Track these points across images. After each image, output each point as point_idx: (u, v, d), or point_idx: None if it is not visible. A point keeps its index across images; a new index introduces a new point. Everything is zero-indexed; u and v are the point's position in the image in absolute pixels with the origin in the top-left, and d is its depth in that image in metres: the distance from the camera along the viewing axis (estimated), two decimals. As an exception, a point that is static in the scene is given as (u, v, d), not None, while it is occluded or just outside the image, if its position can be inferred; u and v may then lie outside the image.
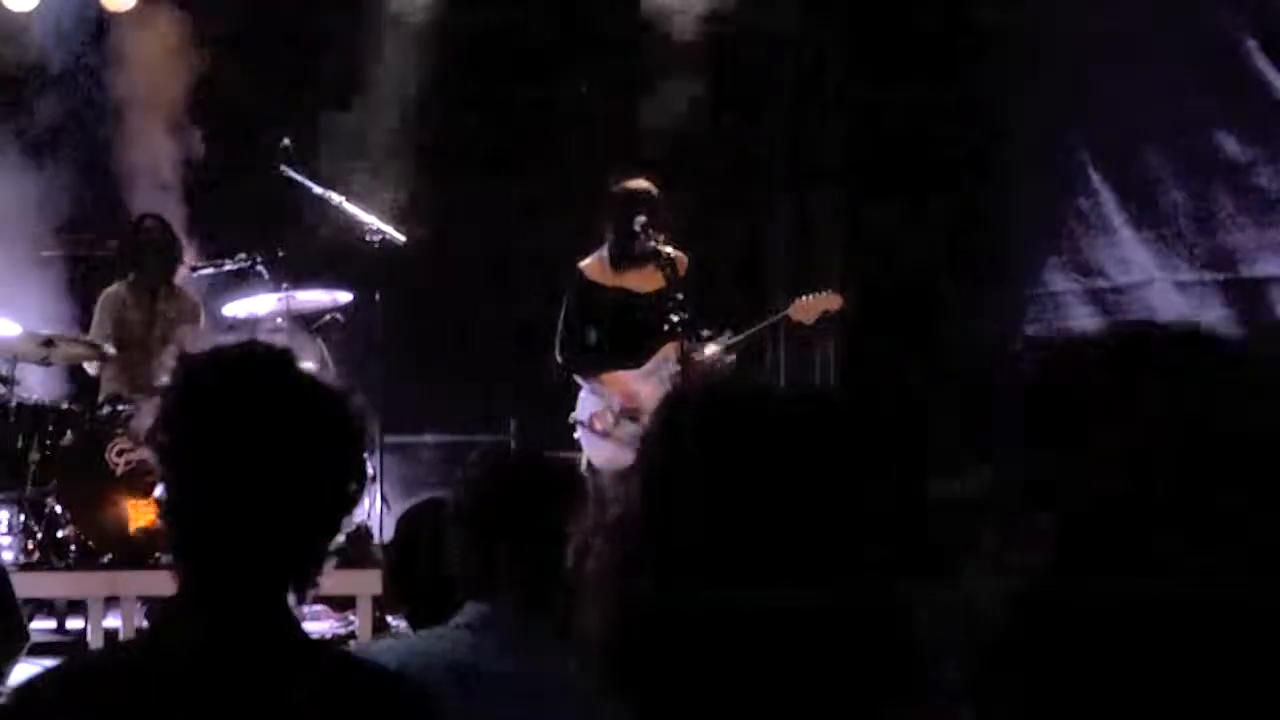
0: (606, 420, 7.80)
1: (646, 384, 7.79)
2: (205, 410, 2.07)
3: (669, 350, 7.79)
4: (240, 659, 2.02)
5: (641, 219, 7.72)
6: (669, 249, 7.74)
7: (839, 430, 1.49)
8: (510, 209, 9.94)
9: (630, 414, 7.77)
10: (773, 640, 1.41)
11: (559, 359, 7.89)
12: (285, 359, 2.11)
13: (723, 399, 1.53)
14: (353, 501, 2.10)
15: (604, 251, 7.91)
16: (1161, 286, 8.75)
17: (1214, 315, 8.47)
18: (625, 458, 7.73)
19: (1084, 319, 9.18)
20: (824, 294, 8.07)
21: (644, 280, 7.86)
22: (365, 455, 2.14)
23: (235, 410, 2.05)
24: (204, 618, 2.04)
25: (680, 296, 7.59)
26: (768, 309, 8.32)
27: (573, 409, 7.96)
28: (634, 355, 7.86)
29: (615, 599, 1.46)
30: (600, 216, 7.93)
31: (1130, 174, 8.92)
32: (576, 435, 8.00)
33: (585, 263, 7.94)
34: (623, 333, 7.86)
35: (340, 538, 7.66)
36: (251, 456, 2.02)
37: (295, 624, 2.10)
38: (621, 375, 7.83)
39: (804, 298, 8.00)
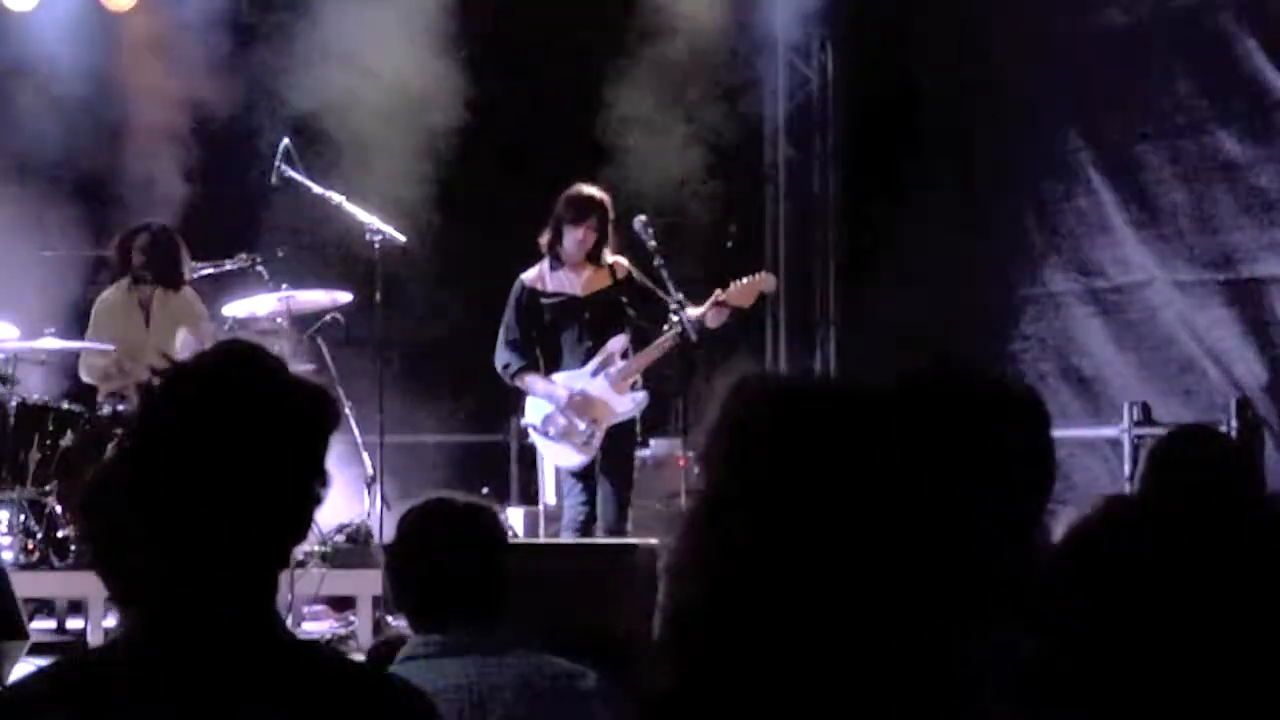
0: (559, 423, 7.87)
1: (594, 382, 7.87)
2: (169, 410, 2.07)
3: (612, 346, 7.87)
4: (218, 659, 2.02)
5: (580, 224, 7.80)
6: (611, 256, 7.89)
7: (924, 425, 1.47)
8: (511, 209, 9.94)
9: (578, 411, 7.83)
10: (853, 642, 1.40)
11: (498, 367, 7.97)
12: (255, 356, 2.11)
13: (799, 392, 1.51)
14: (319, 498, 2.10)
15: (544, 261, 7.99)
16: (1161, 286, 8.74)
17: (1214, 315, 8.48)
18: (581, 458, 7.82)
19: (1084, 319, 9.18)
20: (757, 276, 7.99)
21: (586, 282, 7.95)
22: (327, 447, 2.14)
23: (198, 409, 2.05)
24: (180, 618, 2.04)
25: (624, 299, 7.79)
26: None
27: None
28: (578, 356, 7.95)
29: (684, 597, 1.45)
30: (549, 219, 7.97)
31: (1130, 174, 8.92)
32: (529, 440, 8.09)
33: (526, 274, 8.02)
34: (568, 334, 7.96)
35: (339, 538, 7.64)
36: (216, 454, 2.03)
37: (279, 624, 2.10)
38: (568, 376, 7.90)
39: (738, 282, 7.90)
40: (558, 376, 7.92)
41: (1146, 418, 8.21)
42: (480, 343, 9.84)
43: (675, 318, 7.70)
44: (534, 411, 8.01)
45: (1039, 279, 9.40)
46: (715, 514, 1.46)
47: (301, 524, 2.09)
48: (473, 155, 10.07)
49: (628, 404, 7.86)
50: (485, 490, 8.87)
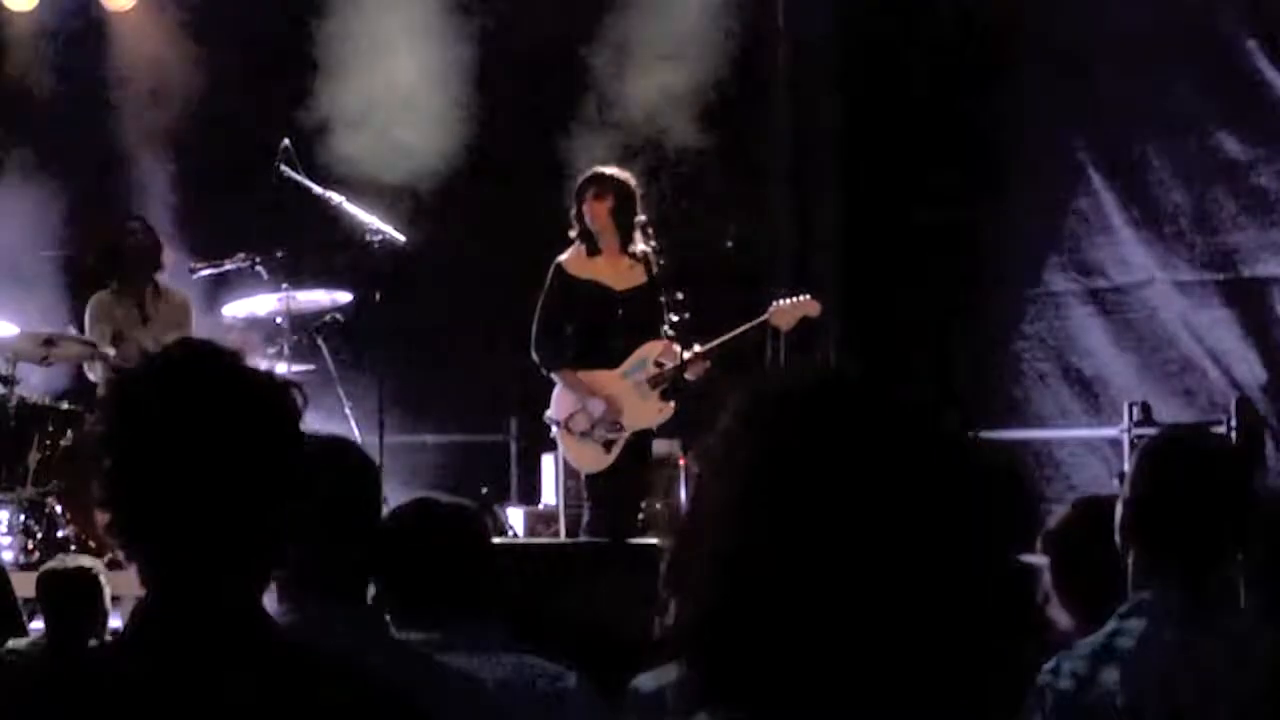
0: (583, 422, 7.77)
1: (623, 385, 7.77)
2: (134, 411, 2.07)
3: (647, 351, 7.77)
4: (208, 658, 2.01)
5: (583, 196, 7.75)
6: (640, 245, 7.76)
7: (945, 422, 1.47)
8: (511, 208, 9.94)
9: (610, 417, 7.74)
10: (877, 637, 1.40)
11: (535, 357, 7.86)
12: (214, 353, 2.10)
13: (819, 390, 1.51)
14: (294, 491, 2.09)
15: (581, 243, 7.90)
16: (1161, 286, 8.74)
17: (1214, 315, 8.48)
18: (603, 459, 7.75)
19: (1084, 319, 9.18)
20: (802, 299, 7.97)
21: (623, 275, 7.83)
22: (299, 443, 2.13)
23: (162, 409, 2.05)
24: (169, 617, 2.03)
25: (664, 299, 7.64)
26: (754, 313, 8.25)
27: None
28: (610, 352, 7.82)
29: (707, 601, 1.44)
30: (575, 202, 7.91)
31: (1130, 174, 8.92)
32: (552, 434, 8.00)
33: (564, 256, 7.90)
34: (600, 328, 7.82)
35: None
36: (183, 454, 2.02)
37: (268, 622, 2.10)
38: (600, 376, 7.79)
39: (782, 302, 7.90)
40: (590, 375, 7.86)
41: (1146, 418, 8.21)
42: (480, 342, 9.86)
43: (670, 317, 7.69)
44: (560, 406, 7.88)
45: (1039, 279, 9.40)
46: (715, 517, 1.46)
47: (279, 520, 2.08)
48: (474, 155, 10.07)
49: (654, 412, 7.78)
50: (485, 490, 8.88)
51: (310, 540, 2.72)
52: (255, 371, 2.12)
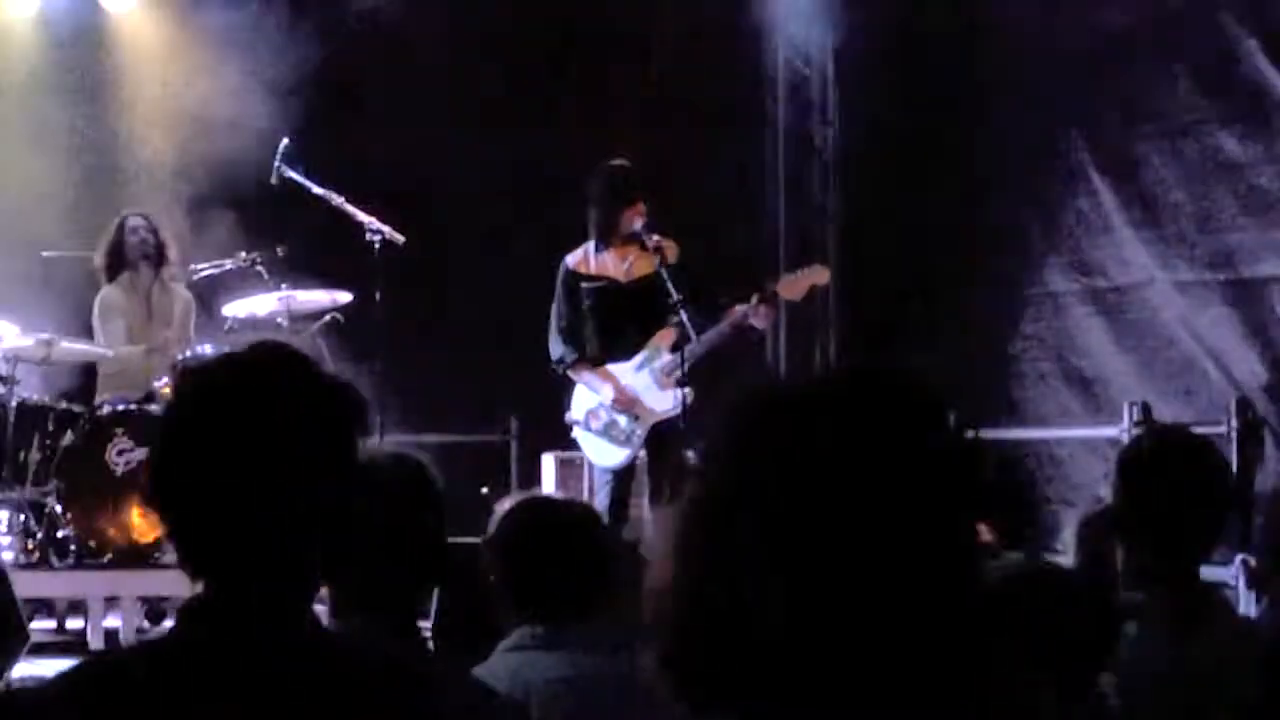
0: (601, 418, 7.73)
1: (636, 376, 7.72)
2: (209, 412, 2.05)
3: (660, 340, 7.72)
4: (258, 659, 2.00)
5: (635, 203, 7.65)
6: (657, 236, 7.64)
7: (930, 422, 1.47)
8: (512, 208, 9.95)
9: (624, 408, 7.69)
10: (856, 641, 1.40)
11: (552, 358, 7.82)
12: (291, 356, 2.09)
13: (782, 397, 1.51)
14: (351, 497, 2.09)
15: (589, 242, 7.85)
16: (1161, 286, 8.74)
17: (1214, 315, 8.48)
18: (622, 454, 7.71)
19: (1084, 319, 9.18)
20: (810, 269, 7.91)
21: (630, 268, 7.76)
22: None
23: (240, 410, 2.03)
24: (222, 618, 2.03)
25: (673, 285, 7.46)
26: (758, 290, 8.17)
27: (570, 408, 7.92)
28: (623, 345, 7.76)
29: (694, 602, 1.44)
30: (587, 195, 7.85)
31: (1130, 174, 8.92)
32: (573, 435, 7.95)
33: (570, 257, 7.85)
34: (611, 323, 7.75)
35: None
36: (258, 455, 2.01)
37: (316, 624, 2.09)
38: (613, 370, 7.75)
39: (791, 274, 7.85)
40: (605, 370, 7.72)
41: (1146, 418, 8.21)
42: (480, 342, 9.86)
43: (675, 317, 7.59)
44: (579, 405, 7.80)
45: (1039, 279, 9.40)
46: (705, 519, 1.47)
47: (337, 524, 2.07)
48: (475, 155, 10.07)
49: (669, 401, 7.60)
50: (485, 490, 8.87)
51: (368, 555, 2.73)
52: (329, 376, 2.11)
